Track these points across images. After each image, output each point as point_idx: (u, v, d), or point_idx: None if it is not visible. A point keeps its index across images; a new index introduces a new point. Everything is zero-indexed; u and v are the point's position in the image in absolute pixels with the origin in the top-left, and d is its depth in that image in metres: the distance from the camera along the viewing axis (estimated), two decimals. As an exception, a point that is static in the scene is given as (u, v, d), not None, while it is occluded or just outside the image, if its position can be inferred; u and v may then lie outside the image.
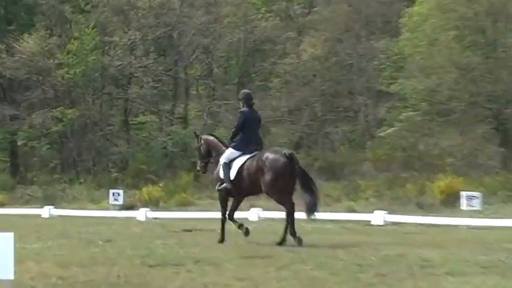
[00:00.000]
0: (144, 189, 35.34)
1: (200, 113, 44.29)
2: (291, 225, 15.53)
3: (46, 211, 29.60)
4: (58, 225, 23.97)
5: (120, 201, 30.78)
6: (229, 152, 16.22)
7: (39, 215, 28.94)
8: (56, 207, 31.08)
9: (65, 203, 35.48)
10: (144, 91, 43.24)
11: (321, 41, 40.71)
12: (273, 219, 24.06)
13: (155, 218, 26.16)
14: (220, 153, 16.54)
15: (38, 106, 45.52)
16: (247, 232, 16.29)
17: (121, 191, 31.53)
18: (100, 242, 16.72)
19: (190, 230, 20.71)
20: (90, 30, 43.33)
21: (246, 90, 17.44)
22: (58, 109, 42.55)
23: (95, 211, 30.69)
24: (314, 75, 41.63)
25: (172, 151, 42.21)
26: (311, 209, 15.66)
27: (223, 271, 11.54)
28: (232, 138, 16.48)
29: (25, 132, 45.31)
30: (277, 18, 44.06)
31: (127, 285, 10.51)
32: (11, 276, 7.54)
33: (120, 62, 43.18)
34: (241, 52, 44.37)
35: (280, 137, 40.89)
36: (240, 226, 16.45)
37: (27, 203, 37.37)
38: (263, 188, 15.62)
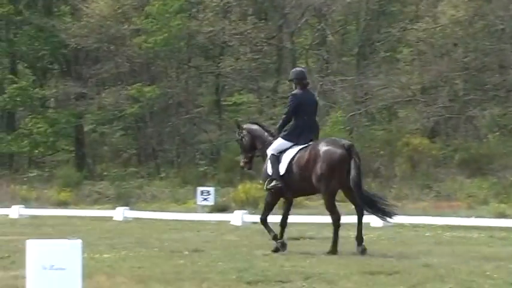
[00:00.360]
0: (240, 187, 35.43)
1: (310, 91, 44.21)
2: (335, 233, 16.14)
3: (119, 213, 29.86)
4: (134, 230, 24.24)
5: (211, 202, 30.93)
6: (278, 143, 16.48)
7: (111, 218, 29.24)
8: (131, 209, 31.35)
9: (142, 203, 35.89)
10: (240, 64, 43.40)
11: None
12: (401, 226, 23.87)
13: (254, 223, 26.18)
14: (267, 145, 16.76)
15: (109, 82, 46.23)
16: (277, 249, 16.55)
17: (211, 189, 31.69)
18: (186, 252, 16.87)
19: (298, 239, 20.68)
20: (174, -13, 43.73)
21: (298, 68, 18.06)
22: (134, 86, 43.07)
23: (179, 213, 30.84)
24: (455, 45, 41.10)
25: (276, 139, 42.26)
26: (386, 214, 16.10)
27: (340, 291, 11.52)
28: (282, 126, 16.70)
29: (93, 114, 46.03)
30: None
31: (219, 305, 10.59)
32: (79, 293, 7.66)
33: (211, 28, 43.39)
34: (362, 15, 44.07)
35: (411, 122, 40.59)
36: (274, 237, 16.76)
37: (95, 202, 37.94)
38: (314, 181, 15.85)
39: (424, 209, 30.81)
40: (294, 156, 16.14)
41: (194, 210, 31.10)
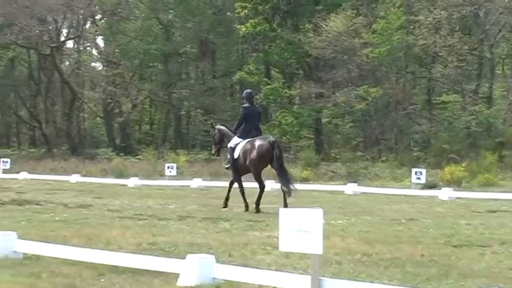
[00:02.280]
0: (447, 169, 34.66)
1: (505, 93, 42.86)
2: (258, 197, 19.25)
3: (349, 188, 29.83)
4: (361, 202, 24.17)
5: (423, 180, 30.36)
6: (234, 139, 19.88)
7: (342, 192, 29.23)
8: (359, 185, 31.29)
9: (368, 181, 35.73)
10: (448, 70, 42.57)
11: None
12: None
13: (458, 198, 25.57)
14: (229, 140, 20.14)
15: (342, 84, 46.38)
16: (244, 206, 19.46)
17: (423, 170, 31.11)
18: (403, 220, 16.66)
19: (495, 211, 20.07)
20: (396, 9, 43.31)
21: (248, 90, 21.25)
22: (362, 88, 43.06)
23: (397, 189, 30.51)
24: None
25: (476, 131, 41.27)
26: (289, 191, 18.84)
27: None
28: (236, 128, 20.09)
29: (329, 110, 46.22)
30: None
31: (432, 264, 10.35)
32: (320, 251, 7.63)
33: (425, 41, 42.74)
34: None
35: None
36: (227, 200, 19.98)
37: (330, 179, 38.01)
38: (247, 164, 19.29)
39: None
40: (242, 148, 19.49)
41: (409, 187, 30.68)
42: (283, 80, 50.97)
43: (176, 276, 8.94)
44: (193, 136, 59.44)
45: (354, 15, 44.11)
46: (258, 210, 18.97)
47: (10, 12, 52.91)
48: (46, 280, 9.12)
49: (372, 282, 8.34)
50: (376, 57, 42.93)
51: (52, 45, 56.48)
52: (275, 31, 47.85)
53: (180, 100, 55.52)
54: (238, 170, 19.83)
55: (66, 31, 63.45)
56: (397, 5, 43.88)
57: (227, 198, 20.06)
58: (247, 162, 19.34)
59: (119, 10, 56.35)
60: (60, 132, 59.41)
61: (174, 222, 15.74)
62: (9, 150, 57.59)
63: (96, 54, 64.25)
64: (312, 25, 45.62)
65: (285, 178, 19.08)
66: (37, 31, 53.65)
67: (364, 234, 13.75)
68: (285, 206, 17.56)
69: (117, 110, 59.38)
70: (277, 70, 54.09)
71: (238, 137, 19.84)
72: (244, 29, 47.13)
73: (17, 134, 69.70)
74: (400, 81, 45.43)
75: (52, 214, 17.22)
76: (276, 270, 9.20)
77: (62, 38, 60.94)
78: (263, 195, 19.54)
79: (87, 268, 9.79)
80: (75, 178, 35.53)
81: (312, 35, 44.73)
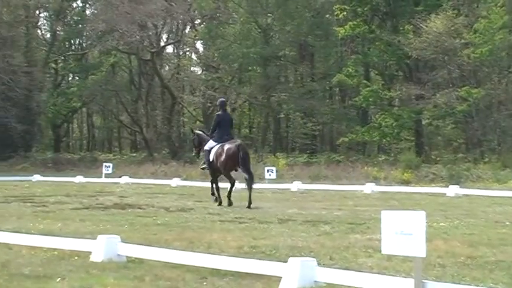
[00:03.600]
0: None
1: None
2: (229, 191, 21.78)
3: (451, 190, 29.42)
4: (464, 204, 23.77)
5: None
6: (209, 143, 22.47)
7: (444, 194, 28.85)
8: (460, 187, 30.82)
9: (470, 183, 35.15)
10: None
11: None
12: None
13: None
14: (205, 144, 22.69)
15: (443, 85, 45.82)
16: (218, 202, 22.17)
17: (528, 172, 30.49)
18: (507, 223, 16.34)
19: None
20: (498, 8, 42.54)
21: (221, 99, 24.21)
22: (463, 89, 42.43)
23: (500, 191, 29.94)
24: None
25: None
26: (250, 184, 21.58)
27: None
28: (211, 133, 22.70)
29: (430, 111, 45.71)
30: None
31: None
32: (423, 254, 7.57)
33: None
34: None
35: None
36: (214, 195, 22.50)
37: (431, 181, 37.55)
38: (218, 165, 21.87)
39: None
40: (214, 152, 22.05)
41: (513, 189, 30.05)
42: (382, 82, 50.68)
43: (278, 279, 8.98)
44: (292, 139, 59.61)
45: (454, 15, 43.44)
46: (230, 203, 21.60)
47: (111, 18, 54.07)
48: (149, 283, 9.29)
49: (476, 285, 8.22)
50: (478, 58, 42.27)
51: (152, 50, 57.42)
52: (374, 33, 47.56)
53: (279, 103, 55.71)
54: (213, 170, 22.38)
55: (166, 36, 64.54)
56: (499, 4, 43.08)
57: (218, 196, 22.39)
58: (218, 164, 21.96)
59: (218, 14, 56.89)
60: (160, 136, 60.34)
61: (275, 226, 15.81)
62: (111, 155, 58.97)
63: (196, 58, 65.03)
64: (411, 26, 45.16)
65: (249, 175, 21.72)
66: (137, 37, 54.61)
67: (467, 236, 13.55)
68: (249, 203, 21.14)
69: (217, 114, 59.85)
70: (376, 72, 53.79)
71: (213, 140, 22.39)
72: (343, 31, 47.00)
73: (118, 138, 71.35)
74: (502, 81, 44.61)
75: (154, 218, 17.52)
76: (378, 273, 9.16)
77: (162, 43, 61.89)
78: (233, 189, 21.97)
79: (189, 271, 9.92)
80: (175, 182, 35.99)
81: (411, 36, 44.28)
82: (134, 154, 59.30)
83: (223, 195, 22.06)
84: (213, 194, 22.69)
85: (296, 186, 32.90)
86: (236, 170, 22.24)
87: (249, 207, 21.06)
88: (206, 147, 22.56)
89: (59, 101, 61.22)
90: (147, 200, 24.39)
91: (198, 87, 59.42)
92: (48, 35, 64.99)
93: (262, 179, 35.69)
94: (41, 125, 61.27)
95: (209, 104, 56.53)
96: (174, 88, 60.11)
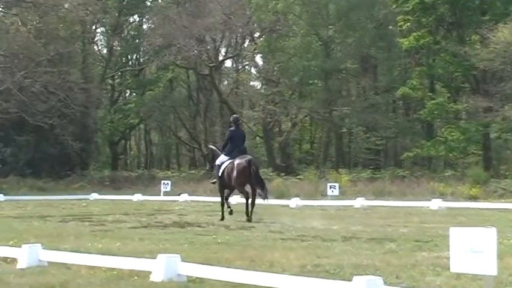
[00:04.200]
0: None
1: None
2: (248, 205, 22.71)
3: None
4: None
5: None
6: (221, 157, 23.49)
7: (515, 210, 28.47)
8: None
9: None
10: None
11: None
12: None
13: None
14: (217, 158, 23.70)
15: (511, 98, 45.17)
16: (230, 212, 23.28)
17: None
18: None
19: None
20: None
21: (235, 116, 25.87)
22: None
23: None
24: None
25: None
26: (264, 196, 22.68)
27: None
28: (223, 148, 23.87)
29: (498, 124, 45.20)
30: None
31: None
32: (494, 272, 7.48)
33: None
34: None
35: None
36: (226, 207, 23.41)
37: (501, 197, 37.12)
38: (232, 181, 22.76)
39: None
40: (226, 165, 23.04)
41: None
42: (448, 95, 50.26)
43: (342, 298, 8.94)
44: (355, 154, 59.35)
45: (523, 24, 42.95)
46: (249, 219, 22.47)
47: (169, 33, 54.54)
48: (211, 302, 9.31)
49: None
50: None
51: (211, 64, 57.79)
52: (439, 44, 47.25)
53: (341, 118, 55.55)
54: (223, 185, 23.48)
55: (225, 50, 64.87)
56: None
57: (222, 211, 23.49)
58: (231, 181, 22.85)
59: (277, 27, 56.98)
60: (219, 152, 60.46)
61: (338, 244, 15.74)
62: (169, 172, 59.30)
63: (255, 72, 65.30)
64: (478, 36, 44.72)
65: (262, 187, 22.72)
66: (195, 51, 55.00)
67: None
68: (248, 213, 22.53)
69: (277, 129, 60.06)
70: (442, 84, 53.34)
71: (224, 155, 23.47)
72: (407, 42, 46.79)
73: (177, 155, 71.75)
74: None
75: (214, 236, 17.57)
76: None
77: (221, 57, 62.28)
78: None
79: (251, 291, 9.92)
80: (235, 199, 36.10)
81: (478, 46, 43.86)
82: (193, 171, 59.55)
83: (241, 210, 23.35)
84: (228, 206, 23.61)
85: (360, 202, 32.76)
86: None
87: (249, 220, 22.43)
88: (217, 162, 23.58)
89: (116, 118, 61.97)
90: (206, 218, 24.47)
91: (258, 102, 59.55)
92: (105, 51, 65.94)
93: (324, 195, 35.61)
94: (98, 142, 62.03)
95: (269, 119, 56.60)
96: (233, 103, 60.37)
